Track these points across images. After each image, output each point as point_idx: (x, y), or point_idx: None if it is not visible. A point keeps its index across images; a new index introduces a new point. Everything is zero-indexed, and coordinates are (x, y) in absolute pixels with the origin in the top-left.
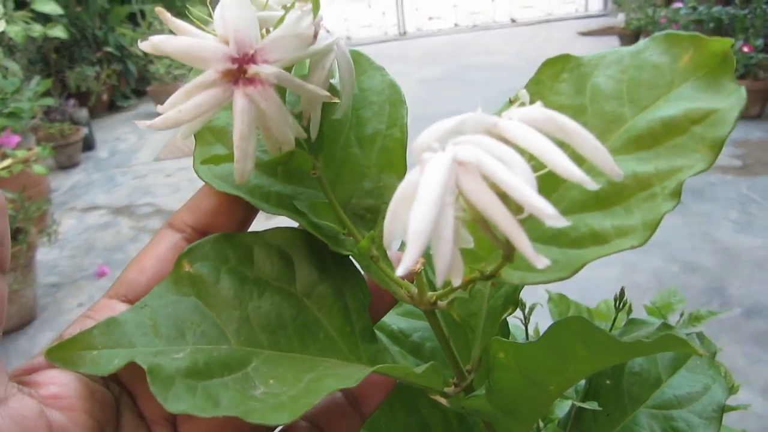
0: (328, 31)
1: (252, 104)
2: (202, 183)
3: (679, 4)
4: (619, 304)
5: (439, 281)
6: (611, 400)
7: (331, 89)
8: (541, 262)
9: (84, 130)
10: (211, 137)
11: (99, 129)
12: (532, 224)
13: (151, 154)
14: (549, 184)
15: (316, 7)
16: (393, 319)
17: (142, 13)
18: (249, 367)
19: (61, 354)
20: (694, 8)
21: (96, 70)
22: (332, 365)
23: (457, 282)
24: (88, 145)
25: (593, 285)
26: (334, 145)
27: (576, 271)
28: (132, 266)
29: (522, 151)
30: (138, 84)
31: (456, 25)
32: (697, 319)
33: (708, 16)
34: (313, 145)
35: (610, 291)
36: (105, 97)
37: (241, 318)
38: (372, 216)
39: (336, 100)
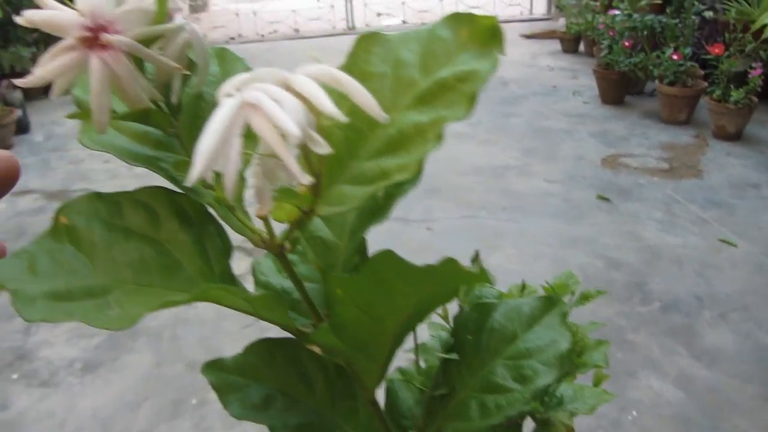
0: (183, 18)
1: (105, 67)
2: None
3: (616, 12)
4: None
5: (228, 193)
6: (472, 353)
7: (190, 66)
8: (305, 178)
9: (17, 113)
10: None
11: (34, 112)
12: (345, 171)
13: None
14: (360, 137)
15: None
16: (278, 280)
17: None
18: (110, 296)
19: None
20: (630, 15)
21: (32, 51)
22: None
23: (266, 208)
24: (22, 128)
25: (525, 277)
26: (200, 120)
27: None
28: None
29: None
30: None
31: (404, 22)
32: (586, 298)
33: (641, 23)
34: (173, 108)
35: (538, 283)
36: None
37: (107, 258)
38: None
39: (187, 72)
